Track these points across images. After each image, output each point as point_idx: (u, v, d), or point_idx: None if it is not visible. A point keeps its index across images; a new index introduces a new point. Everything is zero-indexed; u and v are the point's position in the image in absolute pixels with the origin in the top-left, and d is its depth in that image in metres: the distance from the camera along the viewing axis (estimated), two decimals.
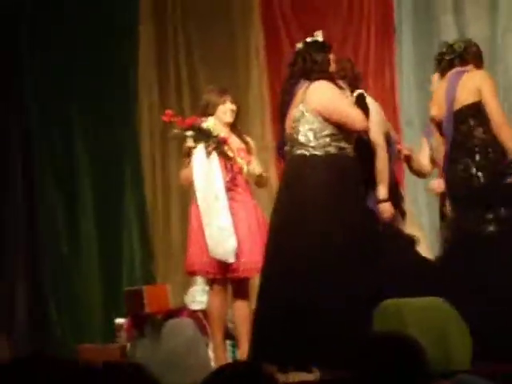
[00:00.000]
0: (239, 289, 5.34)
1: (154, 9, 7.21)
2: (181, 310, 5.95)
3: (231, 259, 5.19)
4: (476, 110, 4.64)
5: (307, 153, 4.67)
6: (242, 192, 5.36)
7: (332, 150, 4.67)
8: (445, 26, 6.35)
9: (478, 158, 4.63)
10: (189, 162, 5.32)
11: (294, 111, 4.73)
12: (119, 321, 6.05)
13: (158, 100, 7.15)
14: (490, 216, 4.59)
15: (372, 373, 2.42)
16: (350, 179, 4.72)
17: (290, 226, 4.64)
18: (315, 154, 4.66)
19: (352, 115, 4.71)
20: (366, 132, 4.87)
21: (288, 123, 4.78)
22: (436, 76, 4.95)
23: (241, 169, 5.32)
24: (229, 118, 5.38)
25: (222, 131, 5.32)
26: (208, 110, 5.36)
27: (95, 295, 6.81)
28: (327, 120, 4.68)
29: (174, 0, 7.22)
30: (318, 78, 4.73)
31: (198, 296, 6.05)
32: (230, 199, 5.27)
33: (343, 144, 4.71)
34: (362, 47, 6.71)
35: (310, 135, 4.69)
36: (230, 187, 5.29)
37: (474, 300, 4.43)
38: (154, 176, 7.11)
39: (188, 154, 5.31)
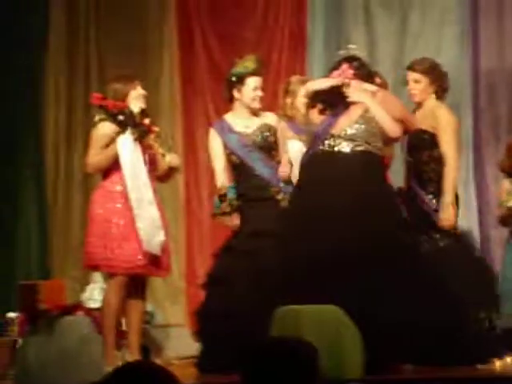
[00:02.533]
0: (140, 287, 5.05)
1: None
2: (76, 307, 5.82)
3: (160, 252, 4.93)
4: None
5: (372, 149, 4.79)
6: (153, 185, 5.08)
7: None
8: (355, 37, 6.43)
9: None
10: (105, 150, 4.90)
11: (360, 112, 4.81)
12: (11, 315, 5.91)
13: (64, 91, 7.01)
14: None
15: (265, 377, 2.39)
16: None
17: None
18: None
19: None
20: None
21: (347, 121, 4.81)
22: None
23: (158, 159, 5.07)
24: (142, 104, 5.03)
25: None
26: (118, 98, 4.99)
27: None
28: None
29: None
30: None
31: (96, 294, 5.94)
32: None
33: None
34: (275, 53, 6.68)
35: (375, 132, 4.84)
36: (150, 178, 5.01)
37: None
38: (57, 170, 6.95)
39: (107, 143, 4.91)
